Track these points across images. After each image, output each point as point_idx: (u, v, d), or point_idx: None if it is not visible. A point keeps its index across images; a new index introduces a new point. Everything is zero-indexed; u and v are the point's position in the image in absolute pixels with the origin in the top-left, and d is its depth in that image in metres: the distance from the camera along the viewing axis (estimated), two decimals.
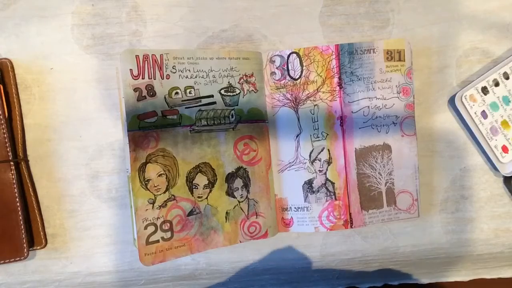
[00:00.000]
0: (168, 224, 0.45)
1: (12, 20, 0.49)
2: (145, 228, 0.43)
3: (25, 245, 0.47)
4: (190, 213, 0.46)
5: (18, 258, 0.47)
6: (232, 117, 0.47)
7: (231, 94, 0.47)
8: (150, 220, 0.44)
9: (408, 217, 0.51)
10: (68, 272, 0.50)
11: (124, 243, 0.51)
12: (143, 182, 0.44)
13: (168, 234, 0.45)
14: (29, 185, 0.49)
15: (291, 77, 0.50)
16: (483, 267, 0.56)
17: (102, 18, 0.50)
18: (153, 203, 0.44)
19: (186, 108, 0.45)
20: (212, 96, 0.46)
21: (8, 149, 0.47)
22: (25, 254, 0.47)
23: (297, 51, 0.50)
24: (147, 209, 0.44)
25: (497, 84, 0.51)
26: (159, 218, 0.44)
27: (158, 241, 0.44)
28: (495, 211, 0.53)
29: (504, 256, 0.54)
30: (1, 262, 0.47)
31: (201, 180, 0.46)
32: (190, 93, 0.45)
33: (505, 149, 0.51)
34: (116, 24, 0.50)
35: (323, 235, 0.52)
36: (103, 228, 0.50)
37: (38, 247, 0.49)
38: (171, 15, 0.50)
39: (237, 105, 0.48)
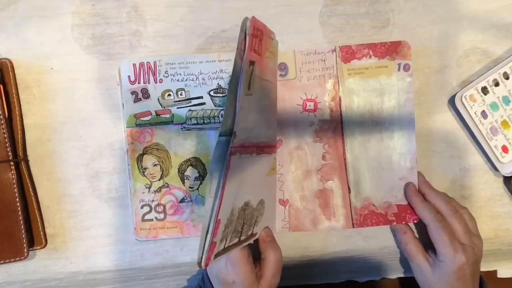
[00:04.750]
0: (162, 207, 0.50)
1: (12, 20, 0.49)
2: (141, 207, 0.50)
3: (25, 245, 0.47)
4: (182, 200, 0.50)
5: (18, 258, 0.47)
6: (222, 117, 0.48)
7: (221, 95, 0.50)
8: (146, 202, 0.50)
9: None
10: (68, 272, 0.50)
11: (124, 243, 0.51)
12: (140, 170, 0.50)
13: (162, 216, 0.50)
14: (29, 185, 0.49)
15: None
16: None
17: (102, 18, 0.50)
18: (149, 188, 0.50)
19: (177, 108, 0.50)
20: (202, 97, 0.50)
21: (8, 149, 0.47)
22: (25, 254, 0.47)
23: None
24: (143, 192, 0.50)
25: (497, 84, 0.51)
26: (153, 201, 0.50)
27: (152, 219, 0.50)
28: (495, 211, 0.53)
29: (501, 252, 0.54)
30: (1, 262, 0.47)
31: (192, 172, 0.50)
32: (181, 94, 0.50)
33: (505, 149, 0.51)
34: (116, 24, 0.50)
35: (323, 235, 0.52)
36: (103, 228, 0.50)
37: (38, 247, 0.49)
38: (171, 15, 0.50)
39: None
